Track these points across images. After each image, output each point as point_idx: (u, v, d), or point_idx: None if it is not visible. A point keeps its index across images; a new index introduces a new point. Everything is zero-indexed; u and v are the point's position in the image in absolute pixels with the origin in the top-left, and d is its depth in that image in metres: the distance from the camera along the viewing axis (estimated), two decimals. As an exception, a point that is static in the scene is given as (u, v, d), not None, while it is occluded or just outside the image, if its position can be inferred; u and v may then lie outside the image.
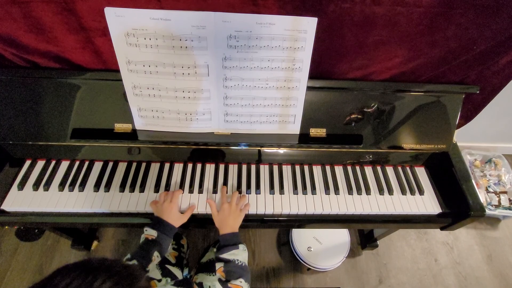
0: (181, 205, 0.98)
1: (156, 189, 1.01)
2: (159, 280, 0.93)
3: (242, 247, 0.87)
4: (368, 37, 0.87)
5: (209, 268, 1.04)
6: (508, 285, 1.66)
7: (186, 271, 1.13)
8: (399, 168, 1.14)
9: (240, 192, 1.02)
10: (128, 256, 0.82)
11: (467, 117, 1.15)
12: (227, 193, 1.02)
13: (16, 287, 1.49)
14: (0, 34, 0.85)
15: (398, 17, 0.82)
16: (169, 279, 0.95)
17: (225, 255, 0.84)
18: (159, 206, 0.93)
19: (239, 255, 0.85)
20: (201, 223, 1.02)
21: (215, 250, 0.92)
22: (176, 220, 0.92)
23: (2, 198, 0.96)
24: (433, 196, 1.08)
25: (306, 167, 1.10)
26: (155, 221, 0.90)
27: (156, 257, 0.85)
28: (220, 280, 0.82)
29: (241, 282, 0.81)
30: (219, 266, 0.84)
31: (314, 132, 1.04)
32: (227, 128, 1.01)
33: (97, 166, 1.05)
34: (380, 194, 1.06)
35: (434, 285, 1.63)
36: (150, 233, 0.87)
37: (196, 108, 0.96)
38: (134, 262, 0.80)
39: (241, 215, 0.95)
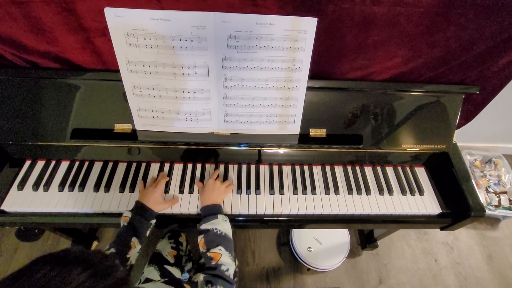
0: (182, 205, 0.98)
1: (156, 189, 1.01)
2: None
3: (222, 217, 0.87)
4: (368, 37, 0.87)
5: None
6: (508, 285, 1.66)
7: (189, 265, 1.12)
8: (399, 168, 1.14)
9: (240, 193, 1.02)
10: (108, 246, 0.80)
11: (467, 117, 1.15)
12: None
13: (16, 287, 1.49)
14: (0, 34, 0.85)
15: (398, 18, 0.82)
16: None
17: (204, 225, 0.84)
18: (145, 190, 0.95)
19: (218, 224, 0.84)
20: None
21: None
22: (156, 204, 0.91)
23: (2, 198, 0.96)
24: (433, 196, 1.08)
25: (306, 167, 1.10)
26: (134, 205, 0.90)
27: (136, 244, 0.82)
28: (202, 253, 0.81)
29: (220, 249, 0.79)
30: (200, 238, 0.83)
31: (314, 132, 1.04)
32: (227, 128, 1.01)
33: (97, 166, 1.05)
34: (380, 194, 1.06)
35: (434, 285, 1.63)
36: (125, 214, 0.87)
37: (196, 108, 0.96)
38: (112, 251, 0.78)
39: (225, 192, 0.97)
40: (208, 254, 0.79)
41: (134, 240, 0.82)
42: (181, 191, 1.01)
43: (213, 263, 0.77)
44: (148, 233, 0.87)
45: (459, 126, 1.15)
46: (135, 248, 0.82)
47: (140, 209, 0.88)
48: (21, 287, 0.42)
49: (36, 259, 0.45)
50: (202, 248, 0.82)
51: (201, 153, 1.07)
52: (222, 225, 0.85)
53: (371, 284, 1.61)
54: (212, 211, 0.88)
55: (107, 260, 0.49)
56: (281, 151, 1.09)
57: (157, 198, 0.92)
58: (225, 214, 0.93)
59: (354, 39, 0.88)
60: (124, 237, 0.82)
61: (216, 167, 1.08)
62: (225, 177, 1.05)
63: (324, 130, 1.04)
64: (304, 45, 0.85)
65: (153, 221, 0.89)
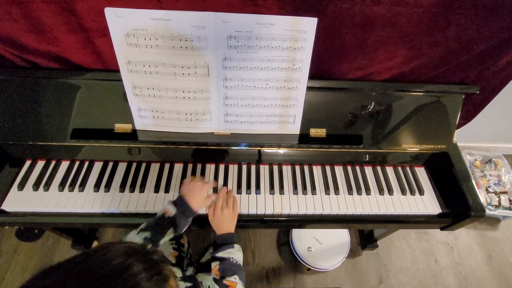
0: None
1: (156, 189, 1.01)
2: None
3: (237, 247, 0.88)
4: (368, 37, 0.87)
5: (209, 268, 1.04)
6: (508, 285, 1.66)
7: (190, 270, 1.12)
8: (399, 168, 1.14)
9: (240, 193, 1.02)
10: (143, 226, 0.82)
11: (467, 117, 1.15)
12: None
13: (16, 287, 1.49)
14: (0, 34, 0.85)
15: (398, 17, 0.82)
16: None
17: (220, 254, 0.85)
18: (191, 183, 0.92)
19: (234, 254, 0.86)
20: (201, 224, 1.01)
21: (211, 250, 0.92)
22: (200, 203, 0.91)
23: (2, 198, 0.96)
24: (433, 196, 1.08)
25: (306, 167, 1.10)
26: (178, 200, 0.89)
27: (171, 233, 0.84)
28: (215, 279, 0.82)
29: (235, 278, 0.81)
30: (214, 265, 0.84)
31: (314, 132, 1.04)
32: (227, 128, 1.01)
33: (97, 166, 1.05)
34: (380, 194, 1.06)
35: (434, 286, 1.63)
36: (168, 209, 0.86)
37: (196, 108, 0.96)
38: (148, 234, 0.80)
39: (235, 216, 0.95)
40: (224, 282, 0.80)
41: (171, 231, 0.84)
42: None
43: None
44: (185, 228, 0.89)
45: (459, 126, 1.15)
46: (169, 236, 0.85)
47: (183, 207, 0.88)
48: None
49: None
50: (215, 275, 0.83)
51: (201, 153, 1.07)
52: (237, 255, 0.87)
53: (371, 284, 1.61)
54: (227, 240, 0.89)
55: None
56: (281, 151, 1.09)
57: (204, 195, 0.93)
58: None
59: (354, 39, 0.88)
60: (162, 227, 0.83)
61: (216, 167, 1.07)
62: (225, 177, 1.05)
63: (324, 130, 1.04)
64: (304, 45, 0.85)
65: (191, 219, 0.90)
